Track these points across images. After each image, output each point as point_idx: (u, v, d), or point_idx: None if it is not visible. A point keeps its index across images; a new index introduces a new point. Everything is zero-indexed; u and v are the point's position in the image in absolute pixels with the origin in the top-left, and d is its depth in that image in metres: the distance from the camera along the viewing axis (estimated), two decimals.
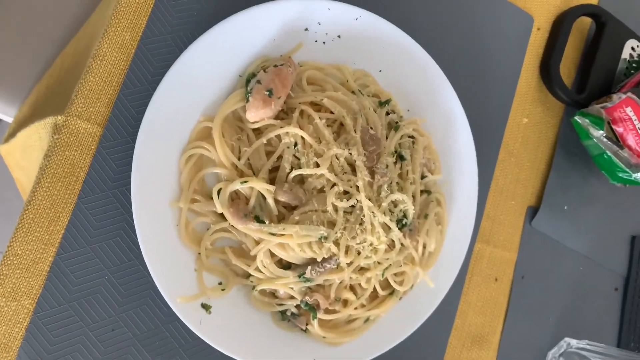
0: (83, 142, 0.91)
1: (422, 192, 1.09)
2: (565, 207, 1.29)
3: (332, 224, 0.95)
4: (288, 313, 1.01)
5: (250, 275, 0.97)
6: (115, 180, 0.93)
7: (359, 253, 0.98)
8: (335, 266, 0.98)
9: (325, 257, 0.95)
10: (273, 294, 1.00)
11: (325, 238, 0.94)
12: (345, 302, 1.03)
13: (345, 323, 1.05)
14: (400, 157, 1.05)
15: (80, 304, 0.90)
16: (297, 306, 1.00)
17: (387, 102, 1.06)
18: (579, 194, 1.29)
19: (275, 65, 0.97)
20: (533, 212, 1.23)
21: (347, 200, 0.95)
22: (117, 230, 0.93)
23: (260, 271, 0.96)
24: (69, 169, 0.90)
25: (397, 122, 1.06)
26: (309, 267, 0.96)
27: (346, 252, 0.97)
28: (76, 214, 0.90)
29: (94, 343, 0.91)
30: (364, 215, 0.96)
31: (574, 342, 1.25)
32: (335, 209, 0.95)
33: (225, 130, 0.96)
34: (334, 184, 0.95)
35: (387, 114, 1.06)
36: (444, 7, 1.19)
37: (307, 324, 1.01)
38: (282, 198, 0.94)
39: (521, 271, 1.22)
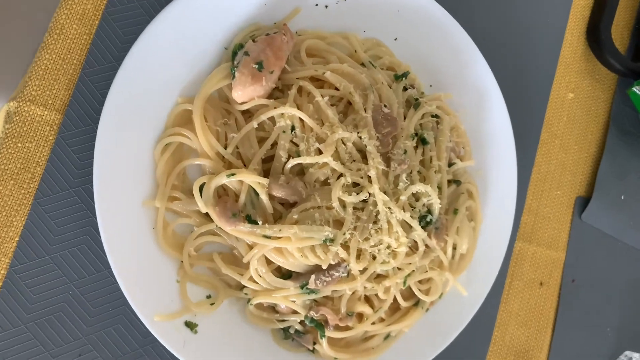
0: (39, 132, 0.77)
1: (449, 182, 0.92)
2: (622, 197, 1.10)
3: (339, 224, 0.79)
4: (291, 330, 0.85)
5: (244, 286, 0.82)
6: (79, 176, 0.79)
7: (374, 258, 0.82)
8: (346, 274, 0.81)
9: (333, 263, 0.79)
10: (273, 308, 0.85)
11: (332, 240, 0.77)
12: (360, 317, 0.87)
13: (361, 341, 0.89)
14: (422, 141, 0.88)
15: (40, 325, 0.76)
16: (302, 322, 0.84)
17: (405, 75, 0.89)
18: (638, 181, 1.10)
19: (267, 34, 0.81)
20: (583, 203, 1.10)
21: (357, 194, 0.78)
22: (82, 235, 0.79)
23: (256, 282, 0.81)
24: (22, 165, 0.76)
25: (417, 99, 0.89)
26: (313, 276, 0.80)
27: (358, 257, 0.80)
28: (32, 218, 0.76)
29: None
30: (378, 212, 0.80)
31: (636, 355, 1.08)
32: (343, 204, 0.79)
33: (208, 113, 0.80)
34: (341, 175, 0.79)
35: (405, 89, 0.89)
36: None
37: (314, 343, 0.85)
38: (278, 193, 0.78)
39: (571, 274, 1.08)
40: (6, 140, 0.76)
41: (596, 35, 1.08)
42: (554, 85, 1.07)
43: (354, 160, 0.80)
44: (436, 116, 0.90)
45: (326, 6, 0.87)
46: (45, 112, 0.77)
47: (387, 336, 0.89)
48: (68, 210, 0.78)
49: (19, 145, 0.76)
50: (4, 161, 0.75)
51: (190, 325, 0.79)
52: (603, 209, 1.09)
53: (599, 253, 1.10)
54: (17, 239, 0.76)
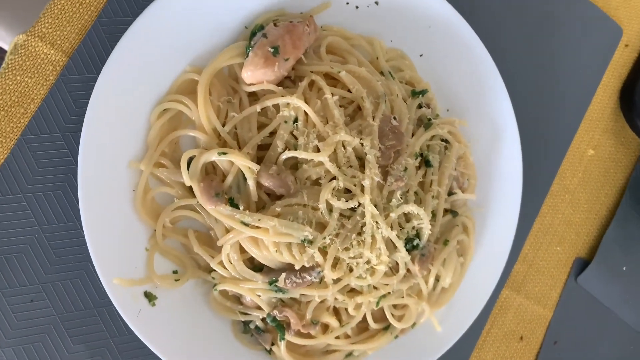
0: (41, 70, 0.75)
1: (446, 211, 0.88)
2: (624, 268, 1.05)
3: (321, 227, 0.76)
4: (252, 326, 0.82)
5: (213, 270, 0.79)
6: (71, 122, 0.77)
7: (350, 270, 0.78)
8: (318, 280, 0.78)
9: (307, 265, 0.76)
10: (238, 299, 0.81)
11: (310, 242, 0.74)
12: (325, 328, 0.83)
13: (322, 353, 0.85)
14: (426, 163, 0.85)
15: None
16: (264, 319, 0.81)
17: (422, 92, 0.86)
18: None
19: (291, 22, 0.79)
20: (582, 265, 1.05)
21: (347, 201, 0.75)
22: (61, 182, 0.76)
23: (225, 267, 0.77)
24: (17, 98, 0.75)
25: (430, 119, 0.86)
26: (284, 274, 0.76)
27: (334, 266, 0.77)
28: (15, 153, 0.75)
29: (6, 312, 0.74)
30: (364, 224, 0.76)
31: None
32: (330, 208, 0.75)
33: (214, 87, 0.78)
34: (334, 177, 0.76)
35: (420, 107, 0.86)
36: None
37: (272, 344, 0.81)
38: (266, 182, 0.75)
39: (555, 334, 1.03)
40: (6, 71, 0.74)
41: (630, 96, 1.04)
42: (576, 138, 1.03)
43: (351, 166, 0.77)
44: (446, 141, 0.87)
45: (357, 7, 0.85)
46: (52, 51, 0.75)
47: (349, 354, 0.85)
48: (52, 154, 0.76)
49: (18, 78, 0.74)
50: None
51: (150, 297, 0.76)
52: (601, 276, 1.04)
53: (587, 320, 1.05)
54: None
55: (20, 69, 0.74)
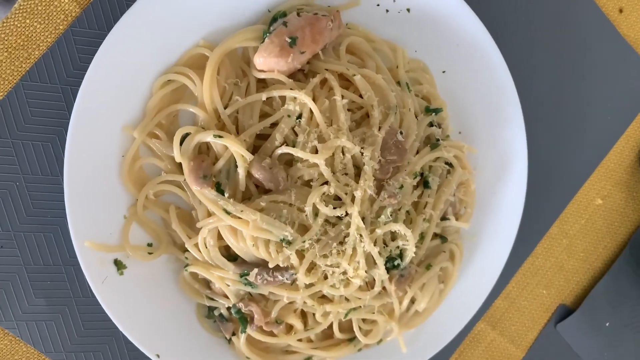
0: (52, 17, 0.73)
1: (435, 235, 0.86)
2: (607, 324, 1.02)
3: (304, 229, 0.74)
4: (216, 313, 0.81)
5: (187, 250, 0.77)
6: (72, 75, 0.75)
7: (325, 277, 0.77)
8: (290, 282, 0.76)
9: (281, 265, 0.74)
10: (207, 283, 0.80)
11: (289, 243, 0.72)
12: (289, 328, 0.82)
13: (281, 353, 0.84)
14: (425, 184, 0.82)
15: None
16: (230, 309, 0.79)
17: (437, 111, 0.83)
18: (631, 316, 1.02)
19: (315, 14, 0.76)
20: (564, 313, 1.03)
21: (335, 208, 0.73)
22: (52, 133, 0.75)
23: (200, 250, 0.76)
24: (23, 42, 0.73)
25: (438, 140, 0.83)
26: (256, 270, 0.75)
27: (309, 270, 0.75)
28: (11, 98, 0.73)
29: None
30: (348, 235, 0.74)
31: None
32: (316, 212, 0.74)
33: (224, 67, 0.76)
34: (326, 182, 0.74)
35: (431, 125, 0.83)
36: (550, 24, 0.93)
37: (233, 334, 0.80)
38: (257, 174, 0.73)
39: None
40: (17, 13, 0.72)
41: None
42: (586, 184, 0.99)
43: (346, 174, 0.75)
44: (449, 165, 0.84)
45: (387, 10, 0.81)
46: (66, 0, 0.73)
47: (309, 358, 0.84)
48: (48, 104, 0.74)
49: (27, 22, 0.72)
50: (6, 31, 0.72)
51: (119, 265, 0.75)
52: (582, 328, 1.01)
53: None
54: None
55: (31, 13, 0.72)
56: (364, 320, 0.84)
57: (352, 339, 0.84)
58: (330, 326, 0.82)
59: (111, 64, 0.71)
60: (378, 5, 0.81)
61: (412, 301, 0.85)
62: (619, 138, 0.99)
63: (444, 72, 0.86)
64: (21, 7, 0.72)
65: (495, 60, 0.84)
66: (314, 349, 0.83)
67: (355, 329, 0.82)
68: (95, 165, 0.72)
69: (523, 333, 1.00)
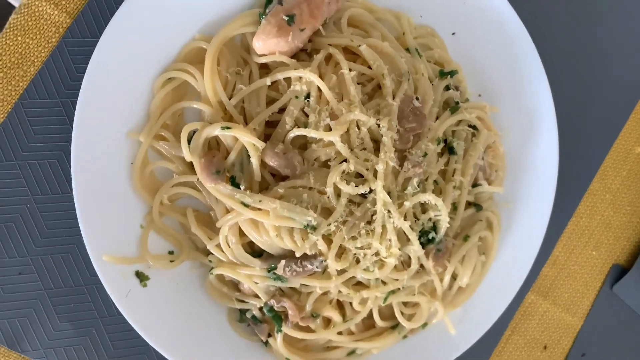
0: (43, 31, 0.72)
1: (469, 204, 0.81)
2: None
3: (327, 212, 0.70)
4: (248, 315, 0.77)
5: (211, 253, 0.74)
6: (70, 87, 0.73)
7: (357, 261, 0.73)
8: (321, 270, 0.72)
9: (309, 253, 0.70)
10: (235, 285, 0.76)
11: (314, 228, 0.69)
12: (327, 322, 0.78)
13: (322, 349, 0.80)
14: (450, 150, 0.78)
15: None
16: (262, 309, 0.75)
17: (452, 73, 0.79)
18: None
19: None
20: (619, 272, 0.97)
21: (357, 186, 0.69)
22: (58, 150, 0.73)
23: (223, 250, 0.72)
24: (17, 60, 0.71)
25: (457, 103, 0.78)
26: (284, 262, 0.71)
27: (339, 255, 0.71)
28: (12, 118, 0.71)
29: None
30: (375, 212, 0.70)
31: None
32: (338, 193, 0.70)
33: (223, 57, 0.73)
34: (345, 160, 0.70)
35: (448, 89, 0.79)
36: None
37: (269, 335, 0.76)
38: (271, 162, 0.70)
39: (583, 345, 0.95)
40: (8, 31, 0.71)
41: None
42: (622, 133, 0.94)
43: (365, 149, 0.71)
44: (474, 127, 0.79)
45: None
46: (56, 12, 0.72)
47: (352, 352, 0.79)
48: (50, 120, 0.73)
49: (19, 39, 0.71)
50: None
51: (141, 277, 0.72)
52: None
53: (622, 333, 0.96)
54: None
55: (22, 30, 0.71)
56: (405, 304, 0.80)
57: (396, 325, 0.80)
58: (370, 315, 0.77)
59: (107, 69, 0.69)
60: None
61: (454, 277, 0.81)
62: None
63: (453, 34, 0.82)
64: (11, 25, 0.71)
65: (506, 13, 0.81)
66: (356, 341, 0.78)
67: (397, 313, 0.78)
68: (104, 176, 0.70)
69: (578, 300, 0.94)
